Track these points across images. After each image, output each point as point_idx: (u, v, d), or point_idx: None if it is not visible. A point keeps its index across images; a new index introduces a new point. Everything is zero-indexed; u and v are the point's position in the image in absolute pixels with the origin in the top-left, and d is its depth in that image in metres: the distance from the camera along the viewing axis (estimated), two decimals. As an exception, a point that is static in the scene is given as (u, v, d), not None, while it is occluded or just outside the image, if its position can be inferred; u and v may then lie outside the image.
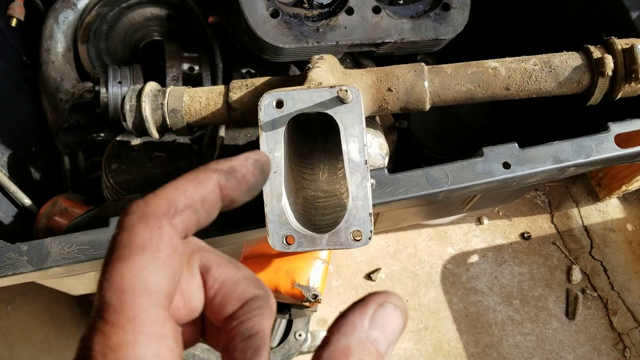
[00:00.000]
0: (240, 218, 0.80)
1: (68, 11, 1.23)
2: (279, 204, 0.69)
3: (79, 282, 1.10)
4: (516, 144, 0.85)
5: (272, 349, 1.69)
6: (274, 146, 0.70)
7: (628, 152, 0.86)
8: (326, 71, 0.83)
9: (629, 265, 2.05)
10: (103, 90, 1.16)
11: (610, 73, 0.83)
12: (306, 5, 1.12)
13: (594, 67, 0.86)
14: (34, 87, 1.28)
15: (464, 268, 2.04)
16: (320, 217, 0.76)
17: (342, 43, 1.10)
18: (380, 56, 1.22)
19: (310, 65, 0.85)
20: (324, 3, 1.14)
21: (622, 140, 0.86)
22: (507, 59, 0.89)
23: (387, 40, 1.12)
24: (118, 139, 1.11)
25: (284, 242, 0.70)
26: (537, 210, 2.16)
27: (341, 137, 0.70)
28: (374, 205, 0.76)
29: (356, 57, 1.29)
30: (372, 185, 0.70)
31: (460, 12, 1.16)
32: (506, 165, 0.84)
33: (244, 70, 1.28)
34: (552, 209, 2.16)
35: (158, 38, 1.31)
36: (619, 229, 2.12)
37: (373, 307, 0.32)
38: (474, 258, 2.06)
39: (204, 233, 0.79)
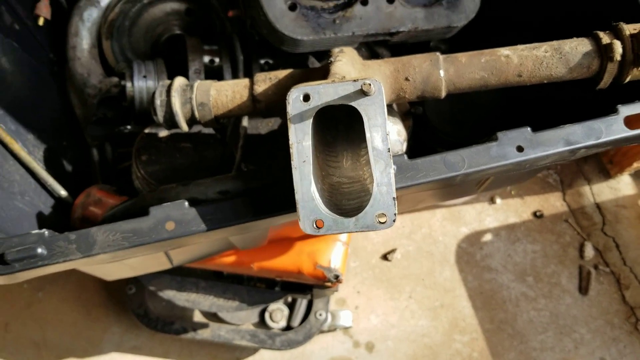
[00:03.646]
0: (271, 205, 0.85)
1: (92, 9, 1.28)
2: (308, 190, 0.75)
3: (118, 268, 1.17)
4: (529, 128, 0.89)
5: (294, 328, 1.76)
6: (302, 137, 0.75)
7: (637, 133, 0.90)
8: (347, 64, 0.88)
9: (640, 241, 2.09)
10: (129, 84, 1.21)
11: (619, 58, 0.87)
12: (322, -3, 1.16)
13: (603, 52, 0.89)
14: (61, 84, 1.33)
15: (477, 247, 2.09)
16: (346, 202, 0.81)
17: (358, 33, 1.14)
18: (394, 44, 1.25)
19: (332, 58, 0.90)
20: (339, -6, 1.18)
21: (631, 121, 0.90)
22: (518, 46, 0.93)
23: (401, 30, 1.16)
24: (146, 131, 1.17)
25: (314, 225, 0.75)
26: (549, 188, 2.20)
27: (365, 127, 0.74)
28: (396, 189, 0.81)
29: (371, 46, 1.33)
30: (394, 171, 0.75)
31: (472, -1, 1.20)
32: (520, 149, 0.88)
33: (262, 62, 1.32)
34: (564, 187, 2.20)
35: (178, 32, 1.35)
36: (630, 205, 2.15)
37: None
38: (488, 237, 2.11)
39: (238, 218, 0.85)
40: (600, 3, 1.07)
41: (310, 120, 0.75)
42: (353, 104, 0.75)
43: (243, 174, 0.93)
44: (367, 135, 0.75)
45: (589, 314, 1.99)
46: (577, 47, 0.91)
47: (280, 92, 0.94)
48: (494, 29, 1.24)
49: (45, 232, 0.83)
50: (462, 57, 0.93)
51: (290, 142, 0.76)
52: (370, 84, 0.72)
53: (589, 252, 2.07)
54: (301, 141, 0.75)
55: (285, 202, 0.85)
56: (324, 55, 1.24)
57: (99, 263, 0.85)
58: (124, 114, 1.32)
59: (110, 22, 1.28)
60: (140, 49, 1.36)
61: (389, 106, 1.11)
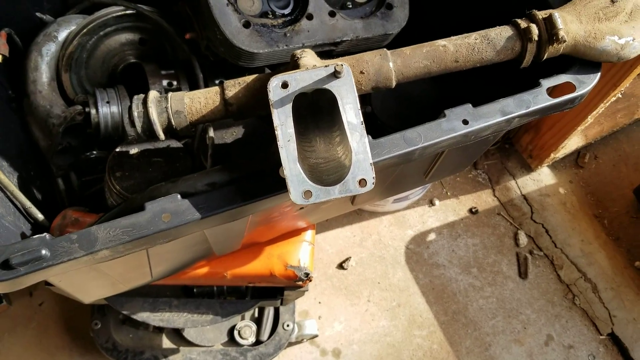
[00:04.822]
0: (258, 190, 0.94)
1: (50, 44, 1.33)
2: (295, 166, 0.84)
3: (99, 284, 1.20)
4: (470, 105, 1.04)
5: (264, 342, 1.81)
6: (284, 120, 0.85)
7: (558, 101, 1.07)
8: (311, 59, 0.99)
9: (566, 224, 2.31)
10: (93, 111, 1.26)
11: (536, 38, 1.03)
12: (270, 16, 1.29)
13: (523, 35, 1.06)
14: (21, 118, 1.37)
15: (424, 246, 2.24)
16: (326, 177, 0.91)
17: (307, 44, 1.27)
18: (338, 54, 1.39)
19: (297, 56, 1.01)
20: (286, 13, 1.31)
21: (553, 92, 1.07)
22: (452, 37, 1.08)
23: (344, 39, 1.30)
24: (117, 150, 1.23)
25: (303, 196, 0.84)
26: (480, 187, 2.39)
27: (339, 105, 0.86)
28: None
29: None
30: (368, 140, 0.86)
31: (401, 9, 1.36)
32: (465, 122, 1.03)
33: (217, 81, 1.42)
34: (493, 184, 2.40)
35: (133, 61, 1.43)
36: (553, 193, 2.38)
37: None
38: (432, 236, 2.26)
39: (229, 204, 0.93)
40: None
41: (290, 105, 0.86)
42: (327, 86, 0.86)
43: (227, 167, 1.01)
44: (342, 112, 0.86)
45: (531, 296, 2.17)
46: (501, 33, 1.07)
47: (250, 94, 1.04)
48: (428, 31, 1.40)
49: (46, 235, 0.87)
50: (407, 49, 1.07)
51: (274, 125, 0.86)
52: (341, 65, 0.84)
53: (523, 239, 2.26)
54: (284, 123, 0.85)
55: (270, 186, 0.94)
56: (279, 67, 1.35)
57: (101, 261, 0.90)
58: (88, 141, 1.37)
59: (69, 55, 1.34)
60: (97, 80, 1.42)
61: None
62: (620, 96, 1.89)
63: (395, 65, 1.05)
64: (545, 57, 1.06)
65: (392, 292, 2.14)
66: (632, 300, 2.15)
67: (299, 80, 0.86)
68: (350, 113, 0.86)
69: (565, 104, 1.08)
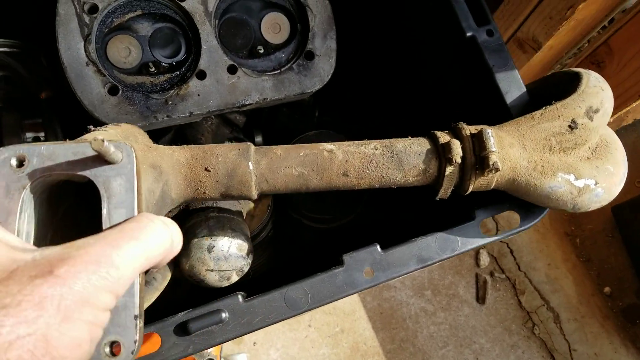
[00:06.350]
0: None
1: None
2: None
3: None
4: (378, 247, 0.79)
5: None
6: (4, 218, 0.52)
7: (494, 239, 0.83)
8: (116, 135, 0.71)
9: (533, 245, 2.10)
10: None
11: (458, 160, 0.74)
12: (152, 69, 1.00)
13: (441, 153, 0.77)
14: None
15: (375, 265, 2.03)
16: None
17: (197, 113, 0.99)
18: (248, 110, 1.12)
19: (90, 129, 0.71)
20: (175, 62, 1.02)
21: (484, 225, 0.82)
22: (345, 142, 0.80)
23: (247, 103, 1.02)
24: None
25: None
26: (444, 195, 2.16)
27: (103, 208, 0.54)
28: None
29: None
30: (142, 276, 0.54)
31: (325, 59, 1.07)
32: (369, 273, 0.79)
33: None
34: (459, 193, 2.16)
35: (-5, 103, 1.15)
36: (522, 208, 2.15)
37: None
38: (385, 254, 2.06)
39: None
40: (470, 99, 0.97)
41: (23, 195, 0.54)
42: (86, 173, 0.54)
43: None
44: (104, 219, 0.54)
45: (487, 323, 2.00)
46: (411, 146, 0.78)
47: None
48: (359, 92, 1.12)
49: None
50: (279, 149, 0.77)
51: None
52: (103, 141, 0.51)
53: (485, 259, 2.06)
54: (5, 221, 0.53)
55: None
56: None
57: None
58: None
59: None
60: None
61: (236, 214, 0.97)
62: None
63: (257, 167, 0.77)
64: (469, 190, 0.78)
65: (336, 317, 1.96)
66: (595, 334, 1.98)
67: (46, 157, 0.55)
68: (119, 221, 0.54)
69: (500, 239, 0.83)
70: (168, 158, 0.74)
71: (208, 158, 0.76)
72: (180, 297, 1.02)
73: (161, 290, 0.82)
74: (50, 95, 1.02)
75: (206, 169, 0.76)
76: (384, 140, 0.80)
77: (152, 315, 0.76)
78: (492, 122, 0.81)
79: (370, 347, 1.94)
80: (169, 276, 0.85)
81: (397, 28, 1.21)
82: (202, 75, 0.99)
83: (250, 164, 0.76)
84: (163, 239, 0.51)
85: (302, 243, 1.27)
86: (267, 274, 1.21)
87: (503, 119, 0.81)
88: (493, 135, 0.75)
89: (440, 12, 0.97)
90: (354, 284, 0.78)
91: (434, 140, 0.79)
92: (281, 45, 1.08)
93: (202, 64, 0.99)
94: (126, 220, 0.53)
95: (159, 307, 0.81)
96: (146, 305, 0.80)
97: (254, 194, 0.78)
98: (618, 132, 2.14)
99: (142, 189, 0.58)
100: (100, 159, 0.54)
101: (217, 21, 1.03)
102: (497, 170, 0.74)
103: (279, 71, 1.05)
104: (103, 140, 0.51)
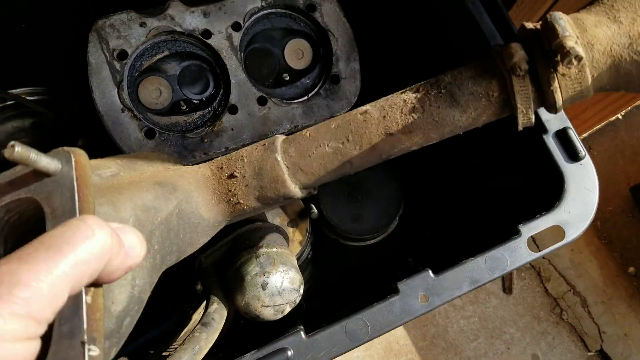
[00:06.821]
0: None
1: None
2: None
3: None
4: (430, 272, 0.81)
5: None
6: None
7: (539, 255, 0.84)
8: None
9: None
10: None
11: (524, 66, 0.59)
12: (184, 107, 1.01)
13: (501, 66, 0.61)
14: None
15: (401, 265, 2.06)
16: None
17: (232, 147, 1.01)
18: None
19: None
20: (204, 99, 1.03)
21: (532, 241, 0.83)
22: (382, 98, 0.68)
23: (280, 131, 1.04)
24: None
25: None
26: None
27: (47, 226, 0.45)
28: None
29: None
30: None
31: (351, 81, 1.08)
32: (424, 299, 0.81)
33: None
34: (476, 186, 2.18)
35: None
36: (541, 195, 2.17)
37: None
38: (409, 252, 2.08)
39: None
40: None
41: None
42: (25, 191, 0.46)
43: None
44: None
45: (515, 312, 2.02)
46: (461, 72, 0.64)
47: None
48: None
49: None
50: (309, 130, 0.68)
51: None
52: (13, 146, 0.40)
53: (508, 250, 2.08)
54: None
55: None
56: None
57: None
58: None
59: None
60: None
61: (277, 229, 0.99)
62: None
63: (286, 157, 0.68)
64: (560, 101, 0.61)
65: (366, 319, 1.98)
66: (623, 314, 2.01)
67: None
68: None
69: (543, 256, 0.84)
70: (190, 175, 0.68)
71: (233, 164, 0.69)
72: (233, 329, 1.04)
73: (220, 330, 0.84)
74: (87, 143, 1.04)
75: (231, 175, 0.68)
76: (428, 80, 0.68)
77: (217, 354, 0.78)
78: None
79: (403, 345, 1.96)
80: (225, 314, 0.87)
81: (418, 41, 1.22)
82: (234, 110, 1.01)
83: (277, 155, 0.67)
84: (98, 240, 0.40)
85: (340, 262, 1.30)
86: (310, 294, 1.23)
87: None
88: (562, 18, 0.60)
89: (462, 24, 0.98)
90: (411, 311, 0.80)
91: (489, 55, 0.65)
92: (305, 71, 1.09)
93: (233, 99, 1.01)
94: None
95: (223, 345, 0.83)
96: (208, 346, 0.82)
97: (293, 190, 0.69)
98: (632, 112, 2.15)
99: (88, 195, 0.48)
100: (41, 174, 0.46)
101: (242, 54, 1.04)
102: (579, 59, 0.56)
103: (306, 97, 1.06)
104: (14, 146, 0.41)
